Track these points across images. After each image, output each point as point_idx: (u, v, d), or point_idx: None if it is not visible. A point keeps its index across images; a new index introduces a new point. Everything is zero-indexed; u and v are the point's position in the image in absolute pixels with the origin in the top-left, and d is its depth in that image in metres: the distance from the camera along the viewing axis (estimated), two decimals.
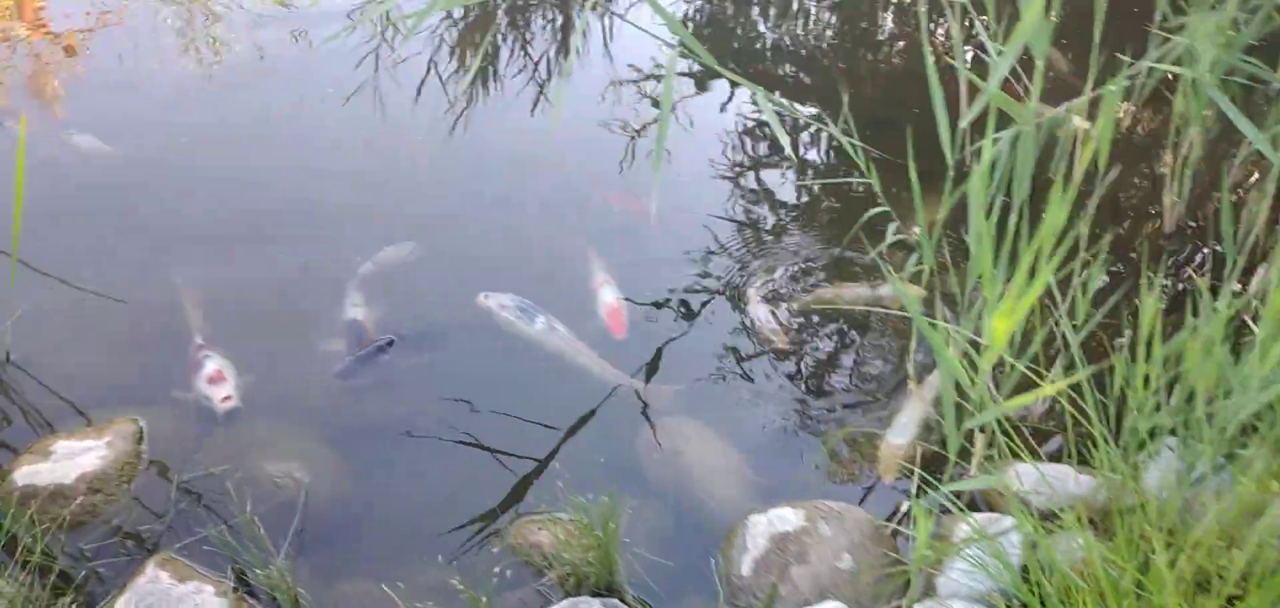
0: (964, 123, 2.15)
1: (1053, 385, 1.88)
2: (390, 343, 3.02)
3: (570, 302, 3.41)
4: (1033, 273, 1.86)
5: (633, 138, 4.34)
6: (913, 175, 2.34)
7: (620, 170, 4.13)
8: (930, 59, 2.21)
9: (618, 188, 4.03)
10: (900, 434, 2.96)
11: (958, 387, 2.21)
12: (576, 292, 3.46)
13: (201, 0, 5.41)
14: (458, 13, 5.24)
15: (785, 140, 2.37)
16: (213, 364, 3.02)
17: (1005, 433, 2.42)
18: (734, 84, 4.44)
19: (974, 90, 2.34)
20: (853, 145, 2.64)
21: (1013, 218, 2.18)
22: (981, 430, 2.52)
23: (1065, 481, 2.55)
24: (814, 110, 4.36)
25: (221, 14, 5.35)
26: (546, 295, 3.39)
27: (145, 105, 4.47)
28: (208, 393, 2.94)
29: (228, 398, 2.93)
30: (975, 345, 2.27)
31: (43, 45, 4.90)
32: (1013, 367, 2.11)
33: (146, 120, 4.35)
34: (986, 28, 2.64)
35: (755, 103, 3.70)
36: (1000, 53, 2.71)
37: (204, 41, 5.02)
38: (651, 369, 3.19)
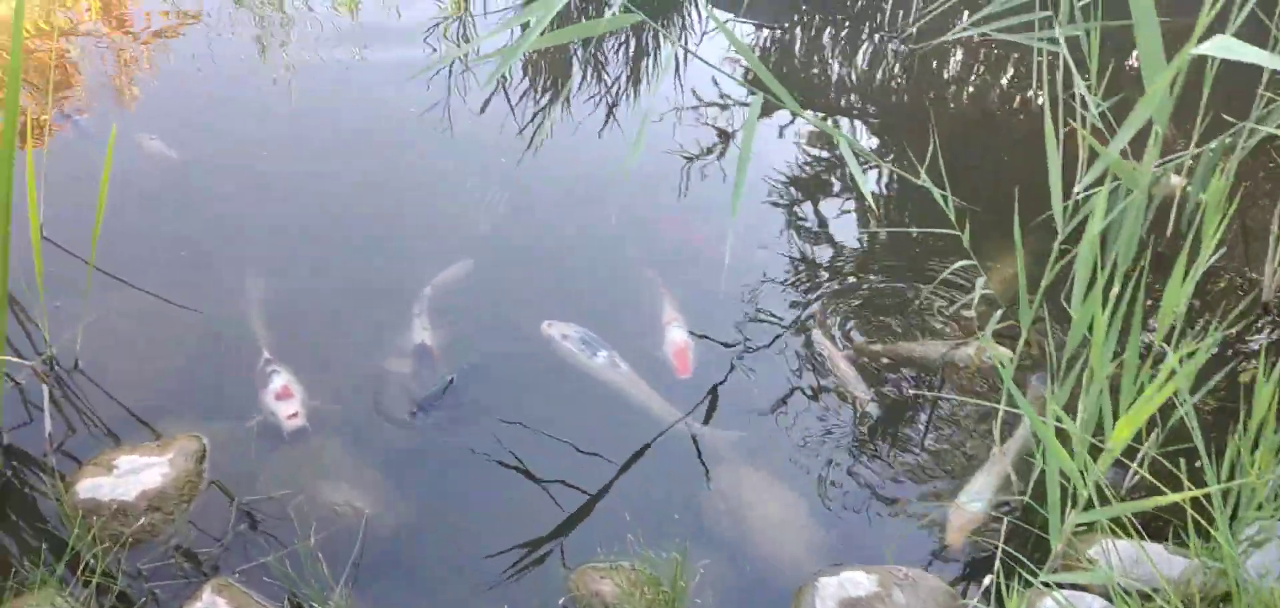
0: (1079, 190, 2.03)
1: (1182, 494, 1.74)
2: (451, 382, 2.96)
3: (636, 333, 3.34)
4: (1148, 357, 1.74)
5: (689, 160, 4.28)
6: (1017, 238, 2.22)
7: (678, 197, 4.06)
8: (1050, 127, 2.10)
9: (676, 215, 4.01)
10: (975, 500, 2.84)
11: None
12: (644, 324, 3.38)
13: (278, 9, 5.45)
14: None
15: (866, 187, 2.27)
16: (280, 380, 2.99)
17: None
18: (818, 128, 4.35)
19: (1069, 145, 2.23)
20: (943, 196, 2.54)
21: (1115, 286, 2.05)
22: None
23: (1157, 561, 2.42)
24: (872, 149, 4.26)
25: (295, 18, 5.39)
26: (612, 325, 3.33)
27: (219, 112, 4.49)
28: (274, 409, 2.92)
29: (295, 415, 2.90)
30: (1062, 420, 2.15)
31: (123, 42, 4.95)
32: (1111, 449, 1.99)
33: (219, 128, 4.37)
34: (1089, 87, 2.52)
35: (835, 146, 3.61)
36: (1099, 108, 2.60)
37: (279, 51, 5.04)
38: (712, 413, 3.11)
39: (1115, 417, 1.84)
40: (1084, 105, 2.65)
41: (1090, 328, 1.82)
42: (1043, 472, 2.13)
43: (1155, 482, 2.06)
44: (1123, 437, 1.75)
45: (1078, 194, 2.03)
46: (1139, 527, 2.27)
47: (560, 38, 2.26)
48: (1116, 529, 2.33)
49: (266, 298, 3.34)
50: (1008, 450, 2.90)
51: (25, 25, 4.97)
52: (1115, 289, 2.03)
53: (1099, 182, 2.12)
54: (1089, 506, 1.95)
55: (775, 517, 2.81)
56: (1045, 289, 2.18)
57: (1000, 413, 2.67)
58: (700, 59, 3.09)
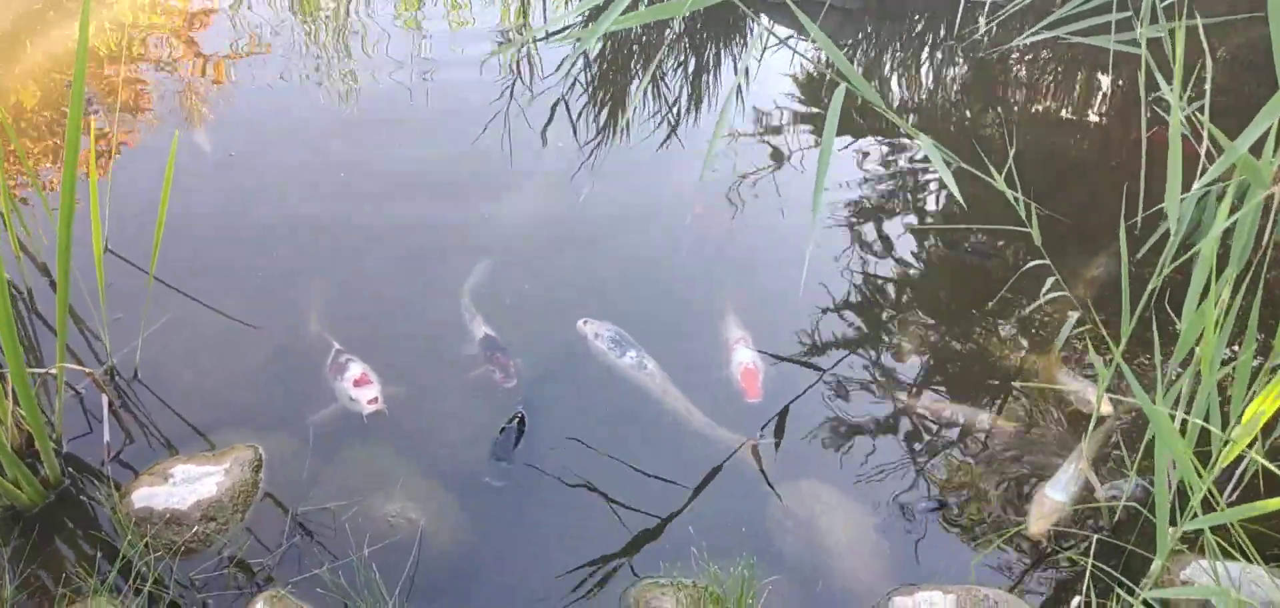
0: (1201, 185, 1.88)
1: None
2: (521, 419, 2.90)
3: (703, 354, 3.24)
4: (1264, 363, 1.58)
5: (740, 175, 4.18)
6: (1123, 242, 2.08)
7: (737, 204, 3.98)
8: (1176, 127, 1.96)
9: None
10: (1061, 491, 2.69)
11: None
12: (711, 344, 3.28)
13: (343, 32, 5.51)
14: (593, 53, 5.19)
15: (954, 187, 2.14)
16: (357, 368, 2.99)
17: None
18: (898, 128, 4.24)
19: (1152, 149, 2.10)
20: (1017, 198, 2.40)
21: (1224, 289, 1.90)
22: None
23: (1259, 584, 2.24)
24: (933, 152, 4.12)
25: (361, 30, 5.44)
26: (680, 347, 3.24)
27: (284, 129, 4.52)
28: (355, 396, 2.91)
29: (375, 401, 2.90)
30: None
31: (192, 65, 5.03)
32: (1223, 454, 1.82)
33: (283, 143, 4.39)
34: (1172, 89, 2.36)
35: (920, 149, 3.48)
36: (1184, 111, 2.43)
37: (343, 71, 5.07)
38: (748, 421, 2.99)
39: (1224, 425, 1.68)
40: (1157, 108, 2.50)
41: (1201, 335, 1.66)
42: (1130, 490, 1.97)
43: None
44: (1256, 414, 1.56)
45: (1198, 189, 1.88)
46: (1244, 547, 2.09)
47: (636, 19, 2.15)
48: (1217, 551, 2.16)
49: (330, 309, 3.32)
50: (1091, 444, 2.74)
51: (97, 49, 5.08)
52: (1226, 293, 1.88)
53: (1215, 181, 1.97)
54: (1203, 511, 1.79)
55: (846, 534, 2.68)
56: (1152, 294, 2.02)
57: (1092, 421, 2.50)
58: (788, 46, 2.98)
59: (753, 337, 3.26)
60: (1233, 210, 1.81)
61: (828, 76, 4.94)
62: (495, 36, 5.46)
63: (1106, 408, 2.90)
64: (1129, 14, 2.87)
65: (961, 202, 2.19)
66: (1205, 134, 1.93)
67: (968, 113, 4.91)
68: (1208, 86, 1.97)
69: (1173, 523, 1.98)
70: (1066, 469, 2.76)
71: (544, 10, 5.95)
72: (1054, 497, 2.69)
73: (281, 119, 4.62)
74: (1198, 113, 2.39)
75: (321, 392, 3.00)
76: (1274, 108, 1.66)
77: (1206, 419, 1.72)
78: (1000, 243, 3.74)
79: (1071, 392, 3.06)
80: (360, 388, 2.93)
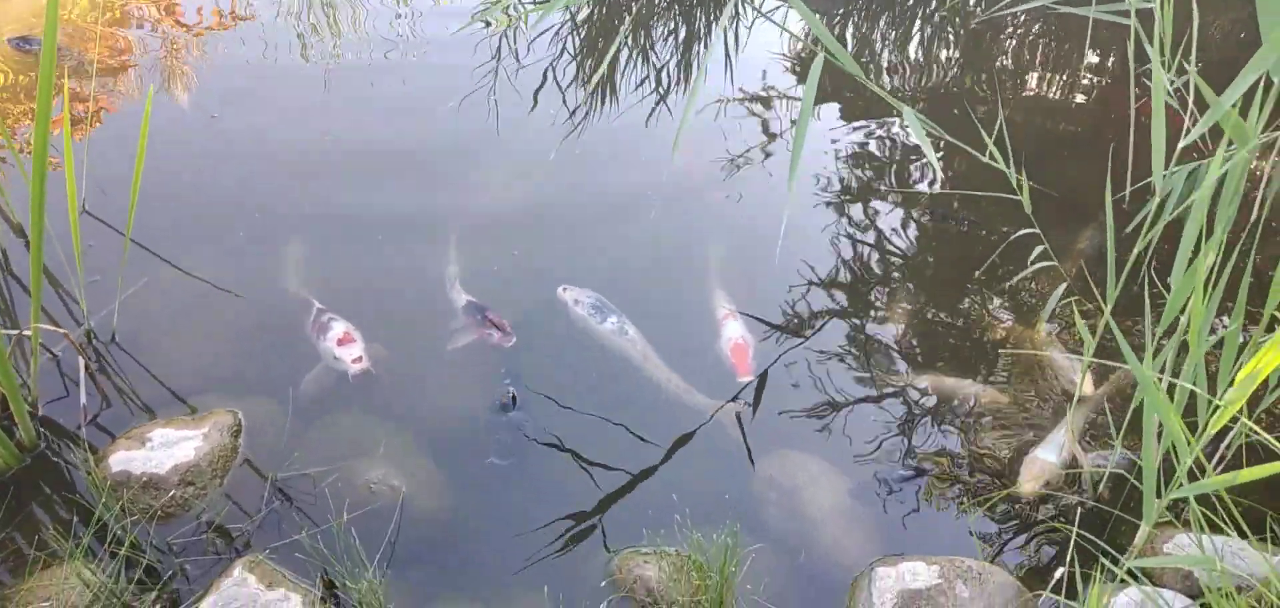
0: (1186, 142, 1.86)
1: None
2: (513, 398, 2.87)
3: (690, 329, 3.22)
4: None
5: (733, 161, 4.15)
6: (1108, 207, 2.06)
7: (722, 177, 3.94)
8: (1160, 94, 1.93)
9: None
10: (1052, 453, 2.70)
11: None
12: (699, 319, 3.25)
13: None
14: (581, 16, 5.13)
15: (935, 162, 2.12)
16: (341, 326, 2.95)
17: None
18: (881, 100, 4.21)
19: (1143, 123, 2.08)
20: (1016, 178, 2.38)
21: (1211, 254, 1.88)
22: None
23: (1243, 556, 2.23)
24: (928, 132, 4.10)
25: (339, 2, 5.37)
26: (666, 321, 3.21)
27: (265, 98, 4.45)
28: (339, 355, 2.88)
29: (359, 360, 2.87)
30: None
31: (174, 34, 4.95)
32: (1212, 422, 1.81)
33: (264, 111, 4.33)
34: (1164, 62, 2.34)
35: (903, 123, 3.46)
36: (1173, 85, 2.41)
37: (326, 38, 5.00)
38: (728, 389, 2.97)
39: (1213, 390, 1.66)
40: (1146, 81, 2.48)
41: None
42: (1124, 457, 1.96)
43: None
44: (1252, 373, 1.54)
45: (1183, 145, 1.86)
46: (1229, 518, 2.08)
47: None
48: (1202, 523, 2.16)
49: (313, 275, 3.28)
50: (1085, 404, 2.74)
51: (71, 10, 4.99)
52: (1212, 257, 1.86)
53: (1195, 147, 1.96)
54: (1188, 479, 1.78)
55: (830, 504, 2.67)
56: (1137, 258, 2.00)
57: (1079, 382, 2.49)
58: (774, 23, 2.94)
59: (736, 304, 3.25)
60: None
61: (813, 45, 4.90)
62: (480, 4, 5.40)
63: (1089, 388, 2.89)
64: None
65: (940, 173, 2.16)
66: (1191, 101, 1.91)
67: (956, 87, 4.88)
68: (1194, 53, 1.94)
69: (1158, 494, 1.97)
70: (1058, 432, 2.76)
71: None
72: (1045, 458, 2.69)
73: (265, 84, 4.55)
74: (1185, 87, 2.38)
75: (304, 353, 2.97)
76: (1259, 62, 1.63)
77: (1194, 384, 1.71)
78: (990, 229, 3.72)
79: (1061, 368, 3.05)
80: (344, 347, 2.89)
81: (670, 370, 2.99)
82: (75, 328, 2.97)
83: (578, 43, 5.07)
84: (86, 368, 2.75)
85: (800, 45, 4.95)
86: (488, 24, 4.98)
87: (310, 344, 2.98)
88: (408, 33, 5.08)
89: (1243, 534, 2.13)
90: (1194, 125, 2.13)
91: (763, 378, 3.02)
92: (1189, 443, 1.61)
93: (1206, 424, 1.74)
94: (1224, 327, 2.21)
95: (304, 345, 3.00)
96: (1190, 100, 2.02)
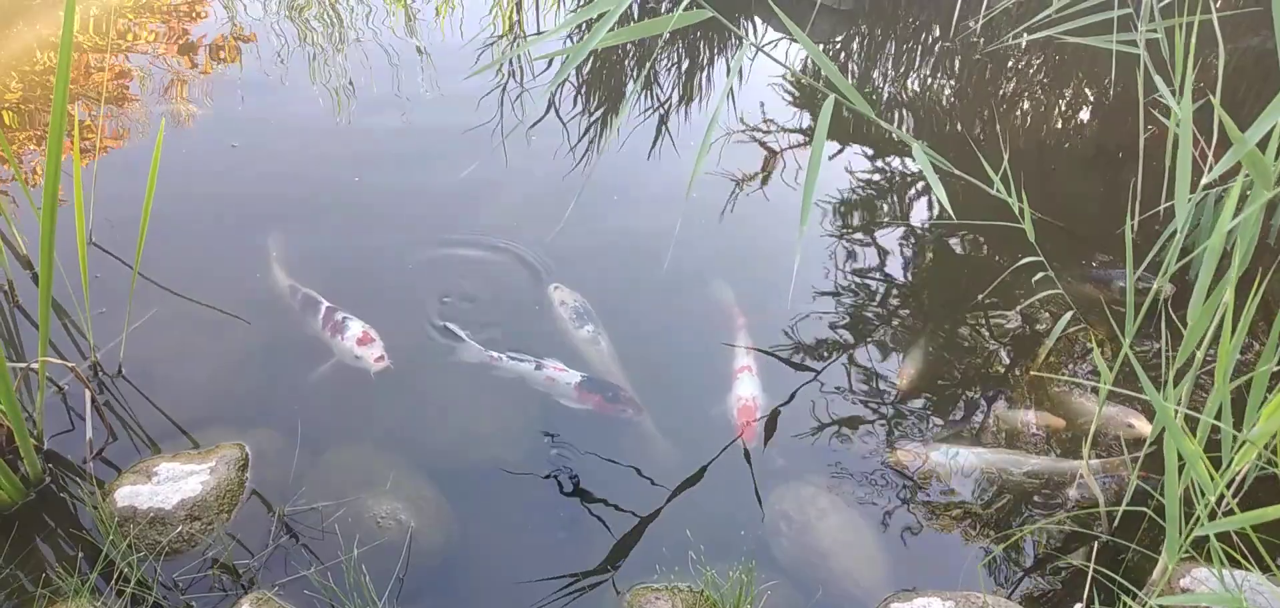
0: (1209, 176, 1.85)
1: None
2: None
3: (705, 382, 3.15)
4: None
5: (738, 185, 4.15)
6: (1128, 239, 2.04)
7: (721, 217, 3.93)
8: (1187, 125, 1.92)
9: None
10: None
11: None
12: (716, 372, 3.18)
13: (331, 20, 5.44)
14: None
15: (942, 195, 2.11)
16: (358, 325, 2.94)
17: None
18: (890, 135, 4.22)
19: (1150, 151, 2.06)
20: (1001, 190, 2.37)
21: (1227, 291, 1.87)
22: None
23: (1261, 592, 2.20)
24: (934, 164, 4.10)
25: (344, 17, 5.38)
26: (672, 390, 3.13)
27: (269, 122, 4.45)
28: (359, 354, 2.87)
29: (381, 358, 2.86)
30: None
31: (177, 64, 4.95)
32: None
33: (268, 135, 4.33)
34: (1173, 92, 2.34)
35: (908, 154, 3.45)
36: (1179, 104, 2.41)
37: (331, 63, 5.01)
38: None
39: (1239, 426, 1.65)
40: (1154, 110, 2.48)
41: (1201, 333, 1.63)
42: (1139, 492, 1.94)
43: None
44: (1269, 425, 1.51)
45: (1206, 181, 1.85)
46: (1248, 554, 2.06)
47: (625, 36, 2.14)
48: (1222, 558, 2.13)
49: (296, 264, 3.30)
50: (1093, 469, 2.70)
51: (82, 39, 5.00)
52: (1229, 294, 1.84)
53: (1218, 180, 1.95)
54: (1212, 516, 1.75)
55: (844, 539, 2.64)
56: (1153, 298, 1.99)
57: (1091, 430, 2.47)
58: (774, 60, 2.94)
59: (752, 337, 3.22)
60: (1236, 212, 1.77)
61: (820, 83, 4.91)
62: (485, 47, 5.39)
63: (1144, 427, 2.81)
64: (1128, 10, 2.85)
65: (950, 212, 2.15)
66: (1214, 131, 1.90)
67: (961, 118, 4.88)
68: (1219, 83, 1.94)
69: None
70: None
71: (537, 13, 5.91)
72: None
73: (276, 115, 4.55)
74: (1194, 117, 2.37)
75: (312, 386, 2.95)
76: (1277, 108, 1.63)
77: (1218, 419, 1.70)
78: (994, 251, 3.71)
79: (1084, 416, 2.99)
80: (365, 346, 2.88)
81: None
82: (81, 361, 2.95)
83: (581, 78, 5.09)
84: (92, 401, 2.72)
85: (805, 76, 4.96)
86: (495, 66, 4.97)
87: (320, 340, 2.96)
88: (411, 55, 5.09)
89: (1264, 568, 2.10)
90: (1209, 153, 2.12)
91: (774, 414, 2.99)
92: (1213, 479, 1.59)
93: (1231, 460, 1.72)
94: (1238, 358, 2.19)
95: (312, 359, 2.98)
96: (1215, 120, 2.00)
